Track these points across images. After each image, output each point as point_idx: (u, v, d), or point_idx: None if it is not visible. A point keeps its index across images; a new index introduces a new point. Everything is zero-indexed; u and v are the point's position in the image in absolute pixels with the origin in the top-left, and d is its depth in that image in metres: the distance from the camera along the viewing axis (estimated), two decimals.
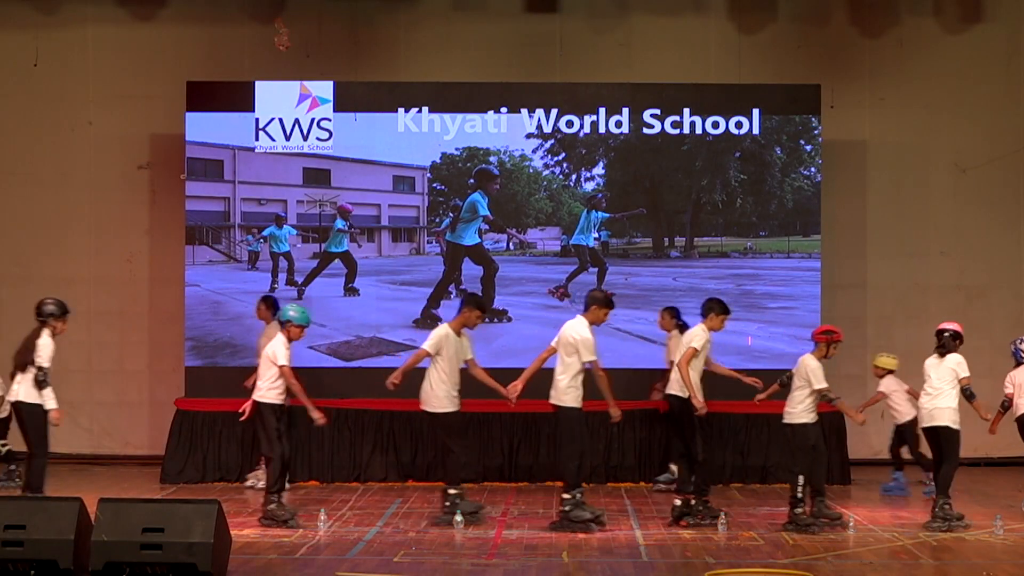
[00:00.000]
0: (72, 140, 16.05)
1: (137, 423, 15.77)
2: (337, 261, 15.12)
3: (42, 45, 16.02)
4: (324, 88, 15.01)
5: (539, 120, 14.99)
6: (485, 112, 14.99)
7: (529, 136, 15.03)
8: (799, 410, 11.52)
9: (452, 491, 11.75)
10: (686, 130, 14.96)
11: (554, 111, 14.98)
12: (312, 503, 12.83)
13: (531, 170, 15.13)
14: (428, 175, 15.08)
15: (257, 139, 14.98)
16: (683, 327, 12.99)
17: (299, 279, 15.05)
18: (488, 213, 15.00)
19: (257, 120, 14.96)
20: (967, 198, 16.06)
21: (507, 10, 15.96)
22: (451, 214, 15.06)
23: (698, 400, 11.56)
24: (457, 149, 15.05)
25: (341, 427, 14.46)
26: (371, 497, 13.50)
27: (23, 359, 11.51)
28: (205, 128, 14.98)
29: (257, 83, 15.05)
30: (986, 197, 16.06)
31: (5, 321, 15.74)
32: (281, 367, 11.50)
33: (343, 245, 15.14)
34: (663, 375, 13.26)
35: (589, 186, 15.13)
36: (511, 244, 15.14)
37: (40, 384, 11.40)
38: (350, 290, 15.06)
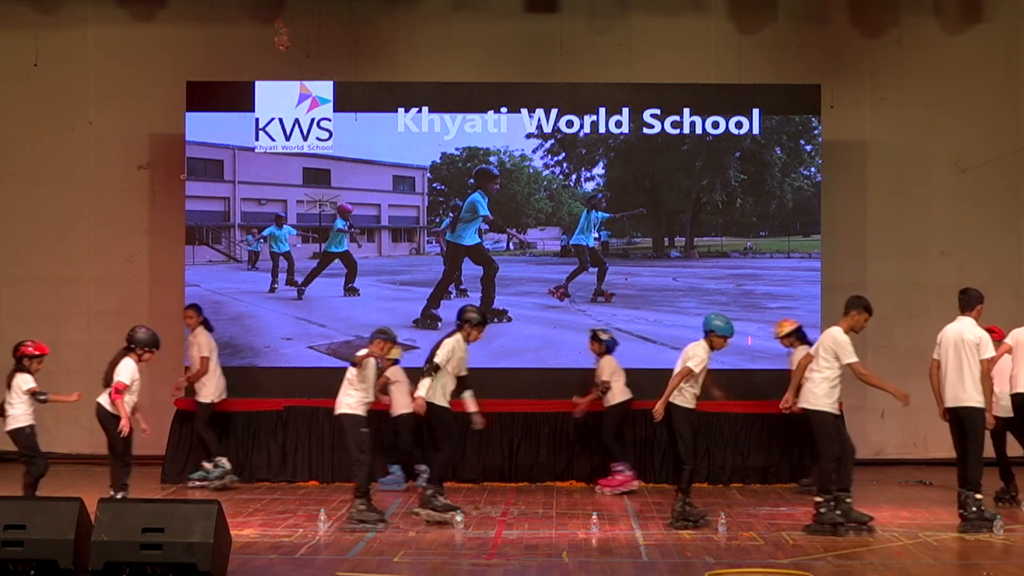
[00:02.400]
0: (72, 140, 16.05)
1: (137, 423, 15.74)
2: (337, 261, 15.12)
3: (42, 45, 16.03)
4: (324, 88, 15.00)
5: (539, 120, 14.98)
6: (485, 112, 14.97)
7: (529, 136, 15.03)
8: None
9: (818, 499, 11.39)
10: (686, 130, 14.95)
11: (554, 111, 14.97)
12: (312, 503, 12.84)
13: (531, 170, 15.12)
14: (428, 175, 15.07)
15: (257, 139, 14.97)
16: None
17: (299, 279, 15.05)
18: (488, 213, 15.00)
19: (257, 120, 14.95)
20: (967, 198, 16.06)
21: (507, 10, 15.96)
22: (451, 214, 15.06)
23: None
24: (457, 149, 15.04)
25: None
26: (371, 497, 13.47)
27: (430, 355, 12.04)
28: (205, 128, 14.97)
29: (257, 83, 15.04)
30: (986, 197, 16.06)
31: (5, 321, 15.74)
32: (690, 370, 11.60)
33: (343, 245, 15.13)
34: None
35: (589, 186, 15.12)
36: (511, 244, 15.14)
37: (423, 373, 11.96)
38: (350, 290, 15.05)
